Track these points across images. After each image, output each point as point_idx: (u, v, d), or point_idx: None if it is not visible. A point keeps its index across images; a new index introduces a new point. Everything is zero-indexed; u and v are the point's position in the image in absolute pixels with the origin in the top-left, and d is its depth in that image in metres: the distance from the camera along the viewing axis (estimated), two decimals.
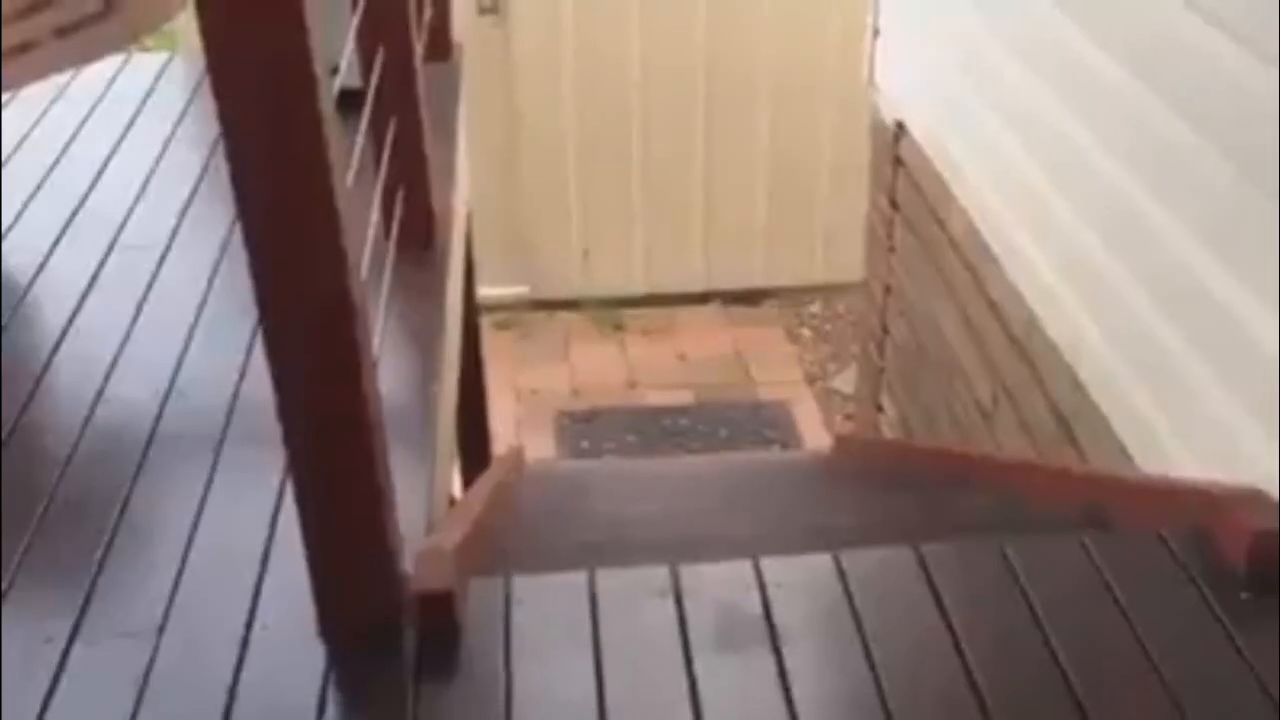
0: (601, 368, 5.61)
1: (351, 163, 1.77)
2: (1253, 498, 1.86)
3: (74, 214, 2.70)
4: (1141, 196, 2.32)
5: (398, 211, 2.33)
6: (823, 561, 1.89)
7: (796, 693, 1.63)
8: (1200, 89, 2.13)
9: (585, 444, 5.14)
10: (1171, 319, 2.23)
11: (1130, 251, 2.40)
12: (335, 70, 1.80)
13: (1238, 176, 1.98)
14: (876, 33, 3.93)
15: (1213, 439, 2.08)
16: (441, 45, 3.08)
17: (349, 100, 1.95)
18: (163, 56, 3.53)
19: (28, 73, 2.51)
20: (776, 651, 1.70)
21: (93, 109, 3.15)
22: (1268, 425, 1.91)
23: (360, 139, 2.07)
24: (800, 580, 1.87)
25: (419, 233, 2.43)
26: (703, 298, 5.97)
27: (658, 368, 5.58)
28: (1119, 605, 1.78)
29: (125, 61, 3.37)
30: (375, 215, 2.16)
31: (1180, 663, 1.67)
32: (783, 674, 1.66)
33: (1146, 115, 2.28)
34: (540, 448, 4.94)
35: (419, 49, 2.41)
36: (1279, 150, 1.86)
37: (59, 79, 3.02)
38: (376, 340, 1.75)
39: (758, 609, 1.78)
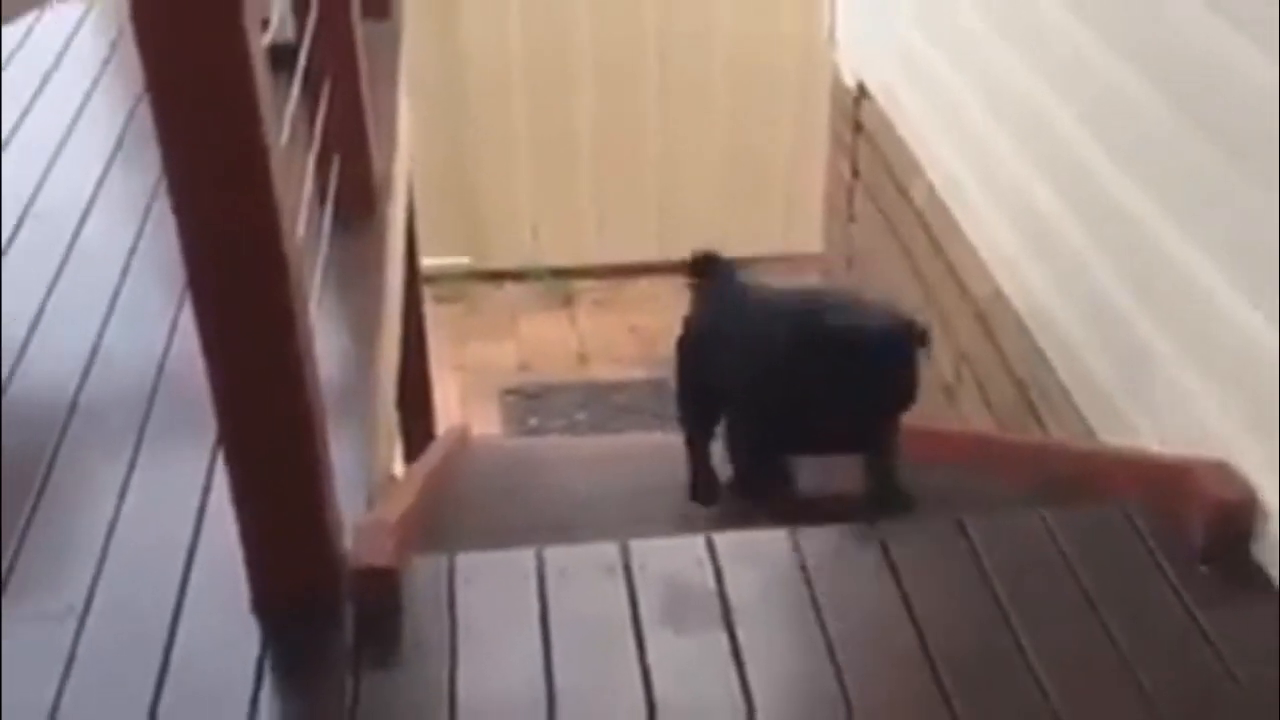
0: (550, 341, 5.62)
1: (284, 122, 1.78)
2: (1215, 469, 1.92)
3: None
4: (1107, 165, 2.37)
5: (334, 177, 2.33)
6: (777, 537, 1.94)
7: (750, 670, 1.67)
8: (1168, 53, 2.18)
9: (533, 421, 5.15)
10: (1135, 290, 2.28)
11: (1095, 221, 2.46)
12: (265, 23, 1.81)
13: (1205, 143, 2.03)
14: None
15: (1175, 411, 2.14)
16: (381, 1, 3.07)
17: (280, 56, 1.95)
18: (80, 8, 3.49)
19: None
20: (729, 628, 1.74)
21: (6, 63, 3.11)
22: (1231, 397, 1.97)
23: (293, 101, 2.07)
24: (754, 556, 1.91)
25: (358, 201, 2.43)
26: (657, 268, 5.99)
27: (609, 341, 5.59)
28: (1077, 579, 1.83)
29: (40, 13, 3.33)
30: (310, 182, 2.16)
31: (1138, 635, 1.73)
32: (736, 651, 1.70)
33: (1114, 81, 2.33)
34: (486, 426, 4.95)
35: (356, 4, 2.40)
36: (1248, 117, 1.91)
37: None
38: (313, 310, 1.76)
39: (710, 585, 1.82)
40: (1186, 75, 2.11)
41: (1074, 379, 2.51)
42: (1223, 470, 1.91)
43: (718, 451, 2.37)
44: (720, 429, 2.31)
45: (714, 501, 2.33)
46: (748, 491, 2.26)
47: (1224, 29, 1.96)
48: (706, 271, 2.39)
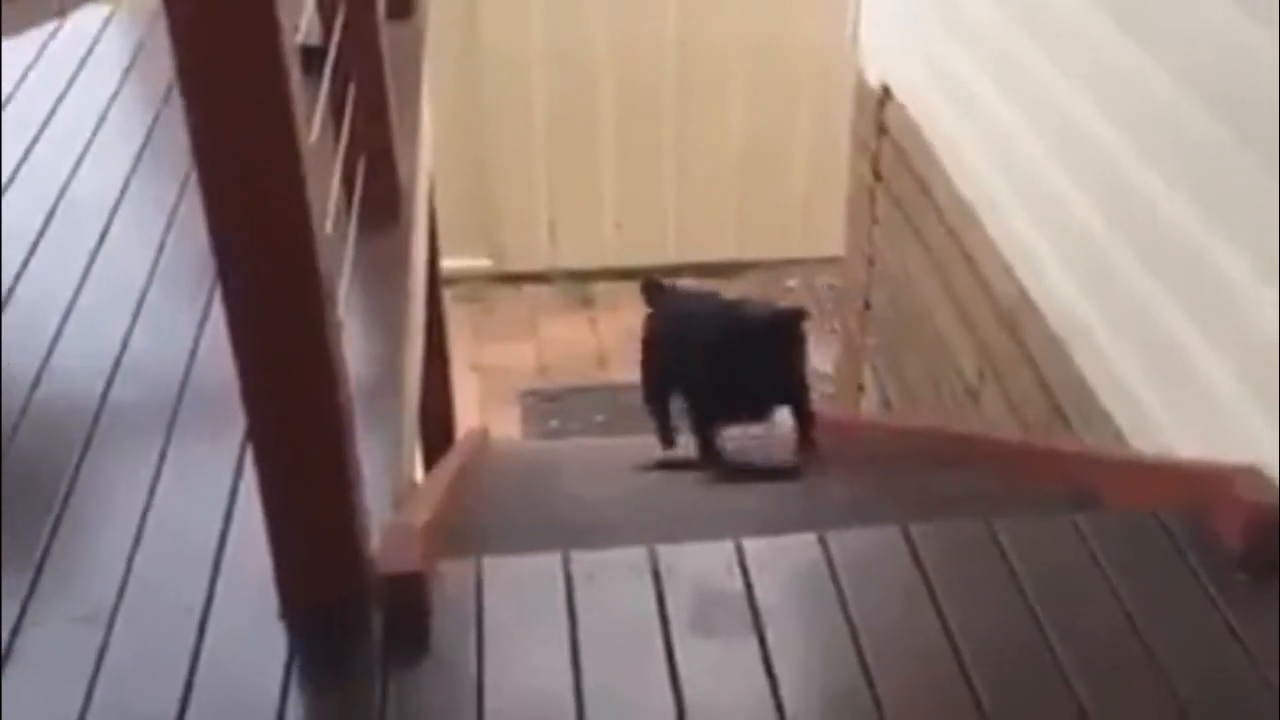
0: (569, 344, 5.61)
1: (313, 123, 1.77)
2: (1249, 475, 1.90)
3: (13, 176, 2.68)
4: (1137, 165, 2.35)
5: (360, 180, 2.33)
6: (807, 541, 1.92)
7: (780, 674, 1.65)
8: (1196, 50, 2.16)
9: (553, 423, 5.15)
10: (1168, 292, 2.26)
11: (1125, 222, 2.44)
12: (295, 27, 1.80)
13: (1236, 143, 2.01)
14: None
15: (1208, 416, 2.12)
16: (404, 3, 3.07)
17: (309, 59, 1.95)
18: (104, 10, 3.49)
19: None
20: (759, 632, 1.72)
21: (31, 65, 3.12)
22: (1265, 402, 1.95)
23: (321, 102, 2.06)
24: (783, 560, 1.90)
25: (384, 202, 2.42)
26: (676, 271, 5.98)
27: (628, 344, 5.58)
28: (1110, 585, 1.81)
29: (64, 15, 3.33)
30: (336, 184, 2.16)
31: (1173, 643, 1.71)
32: (765, 655, 1.68)
33: (1142, 79, 2.31)
34: (505, 427, 4.95)
35: (381, 6, 2.40)
36: (1278, 115, 1.89)
37: None
38: (340, 311, 1.75)
39: (739, 589, 1.80)
40: (1216, 72, 2.08)
41: (1102, 381, 2.48)
42: (1257, 475, 1.89)
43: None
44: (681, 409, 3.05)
45: (672, 446, 3.12)
46: (704, 452, 2.94)
47: (1252, 26, 1.94)
48: (654, 295, 3.18)
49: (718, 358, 2.75)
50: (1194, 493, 1.95)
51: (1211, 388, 2.09)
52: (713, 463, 2.89)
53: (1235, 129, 2.02)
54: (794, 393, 2.82)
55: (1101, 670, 1.67)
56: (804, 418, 2.84)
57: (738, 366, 2.72)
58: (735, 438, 3.00)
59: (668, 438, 3.15)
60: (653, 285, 3.21)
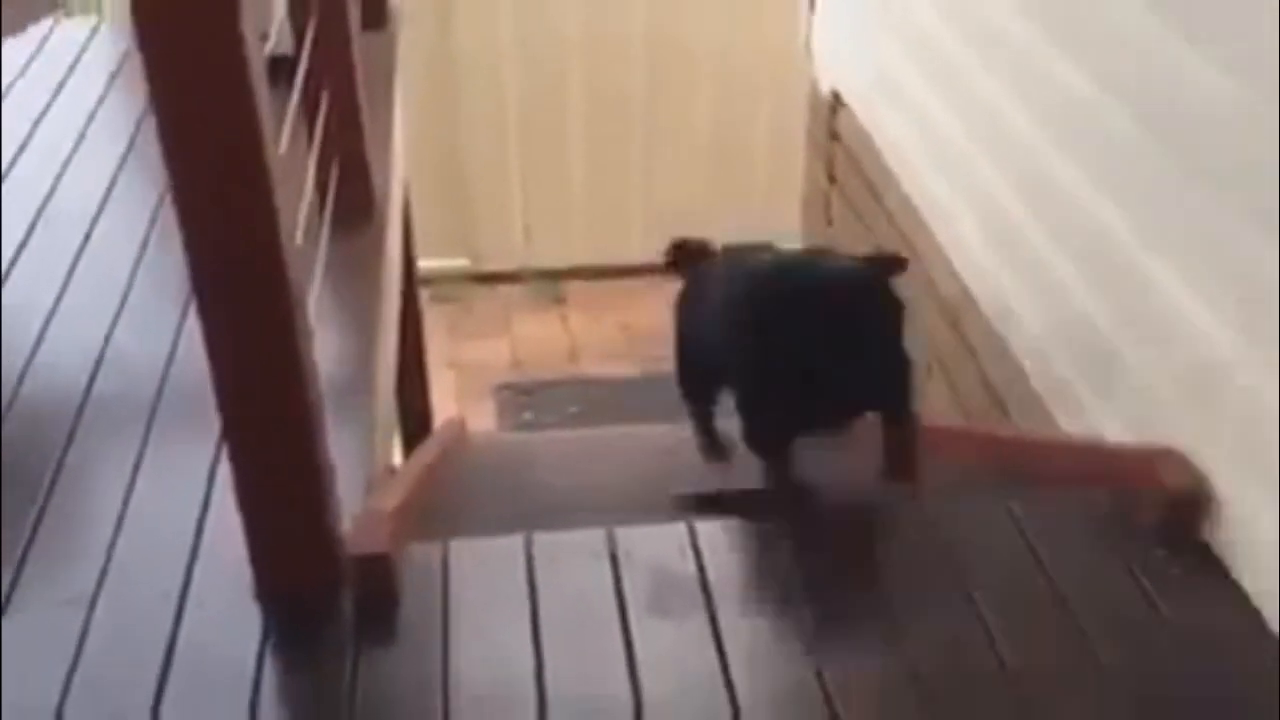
0: (542, 340, 5.62)
1: (283, 132, 1.78)
2: (1169, 458, 1.94)
3: (0, 179, 2.67)
4: (1071, 171, 2.39)
5: (333, 184, 2.33)
6: (758, 526, 1.94)
7: (730, 652, 1.68)
8: (1121, 57, 2.19)
9: (527, 415, 5.16)
10: (1098, 290, 2.30)
11: (1058, 224, 2.47)
12: (264, 37, 1.81)
13: (1163, 150, 2.05)
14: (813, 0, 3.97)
15: (1134, 405, 2.15)
16: (377, 11, 3.07)
17: (279, 68, 1.95)
18: (89, 22, 3.48)
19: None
20: (711, 612, 1.75)
21: (17, 77, 3.11)
22: (1184, 390, 1.99)
23: (292, 111, 2.07)
24: (735, 544, 1.92)
25: (356, 206, 2.43)
26: (644, 269, 5.99)
27: (599, 339, 5.60)
28: (1039, 562, 1.85)
29: (51, 28, 3.32)
30: (309, 188, 2.16)
31: (1099, 618, 1.74)
32: (717, 634, 1.71)
33: (1076, 90, 2.34)
34: (481, 420, 4.95)
35: (355, 15, 2.40)
36: (1201, 124, 1.92)
37: None
38: (313, 312, 1.76)
39: (693, 570, 1.83)
40: (1142, 84, 2.12)
41: (1039, 375, 2.52)
42: (1176, 458, 1.93)
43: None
44: (729, 399, 2.12)
45: (726, 458, 2.20)
46: (759, 451, 2.04)
47: (1175, 39, 1.97)
48: (686, 259, 2.27)
49: (779, 336, 1.80)
50: (1119, 475, 1.99)
51: (1137, 379, 2.12)
52: (785, 490, 1.98)
53: (1157, 135, 2.06)
54: (895, 387, 1.89)
55: (1030, 644, 1.71)
56: (906, 427, 1.92)
57: (811, 348, 1.78)
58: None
59: (711, 446, 2.25)
60: (683, 247, 2.24)
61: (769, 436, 1.97)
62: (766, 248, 2.11)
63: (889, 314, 1.86)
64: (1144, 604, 1.77)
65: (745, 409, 2.00)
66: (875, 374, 1.86)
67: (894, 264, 1.91)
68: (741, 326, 1.91)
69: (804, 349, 1.81)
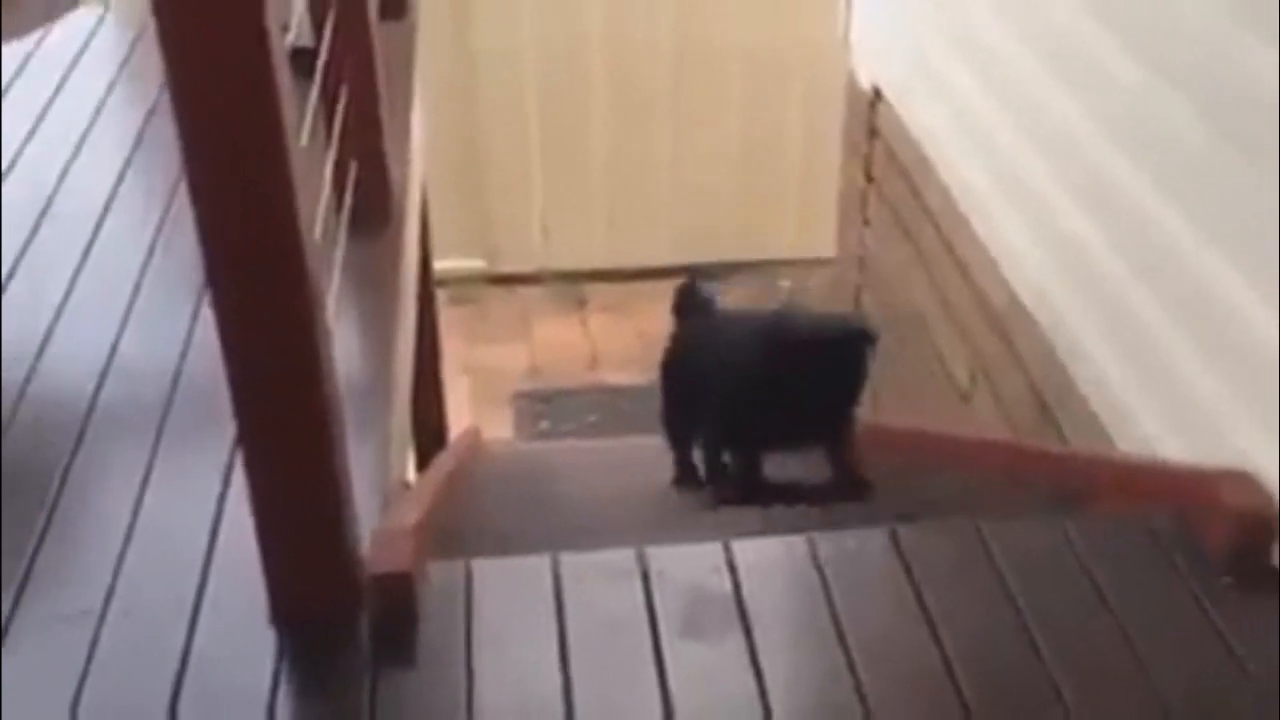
0: (561, 345, 5.62)
1: (303, 125, 1.77)
2: (1236, 479, 1.91)
3: (5, 175, 2.68)
4: (1126, 169, 2.36)
5: (351, 182, 2.33)
6: (795, 543, 1.93)
7: (767, 676, 1.66)
8: (1187, 56, 2.17)
9: (545, 424, 5.15)
10: (1154, 295, 2.27)
11: (1114, 227, 2.45)
12: (285, 28, 1.80)
13: (1227, 150, 2.02)
14: None
15: (1195, 421, 2.13)
16: (396, 3, 3.07)
17: (300, 60, 1.95)
18: (95, 13, 3.49)
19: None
20: (747, 635, 1.73)
21: (20, 70, 3.11)
22: (1252, 408, 1.96)
23: (312, 104, 2.07)
24: (772, 562, 1.91)
25: (375, 204, 2.42)
26: (668, 272, 5.98)
27: (620, 345, 5.59)
28: (1097, 588, 1.82)
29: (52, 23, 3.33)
30: (327, 185, 2.16)
31: (1159, 647, 1.72)
32: (753, 657, 1.69)
33: (1131, 84, 2.32)
34: (497, 429, 4.95)
35: (374, 8, 2.40)
36: (1277, 124, 1.90)
37: None
38: (330, 313, 1.76)
39: (728, 591, 1.81)
40: (1203, 76, 2.10)
41: (1092, 386, 2.50)
42: (1245, 480, 1.90)
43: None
44: (700, 434, 2.67)
45: (695, 490, 2.68)
46: (716, 485, 2.61)
47: (1242, 33, 1.95)
48: (689, 300, 2.75)
49: (766, 378, 2.31)
50: (1181, 496, 1.96)
51: (1199, 393, 2.10)
52: (756, 490, 2.48)
53: (1226, 136, 2.03)
54: (842, 427, 2.40)
55: (1088, 674, 1.68)
56: (845, 453, 2.43)
57: (788, 390, 2.29)
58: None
59: (686, 472, 2.71)
60: (689, 290, 2.74)
61: (748, 453, 2.53)
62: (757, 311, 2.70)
63: (860, 370, 2.37)
64: (1209, 635, 1.74)
65: (718, 441, 2.59)
66: (834, 414, 2.42)
67: (870, 335, 2.38)
68: (742, 368, 2.41)
69: (788, 391, 2.32)
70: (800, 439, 2.44)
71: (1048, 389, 2.70)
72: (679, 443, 2.71)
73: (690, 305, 2.73)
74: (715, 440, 2.59)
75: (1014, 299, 2.86)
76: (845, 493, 2.39)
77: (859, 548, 1.95)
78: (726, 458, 2.58)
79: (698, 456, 2.69)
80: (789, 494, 2.43)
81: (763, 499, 2.40)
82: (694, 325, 2.70)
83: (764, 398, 2.34)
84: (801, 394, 2.30)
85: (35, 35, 3.23)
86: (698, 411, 2.60)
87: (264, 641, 1.63)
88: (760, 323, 2.45)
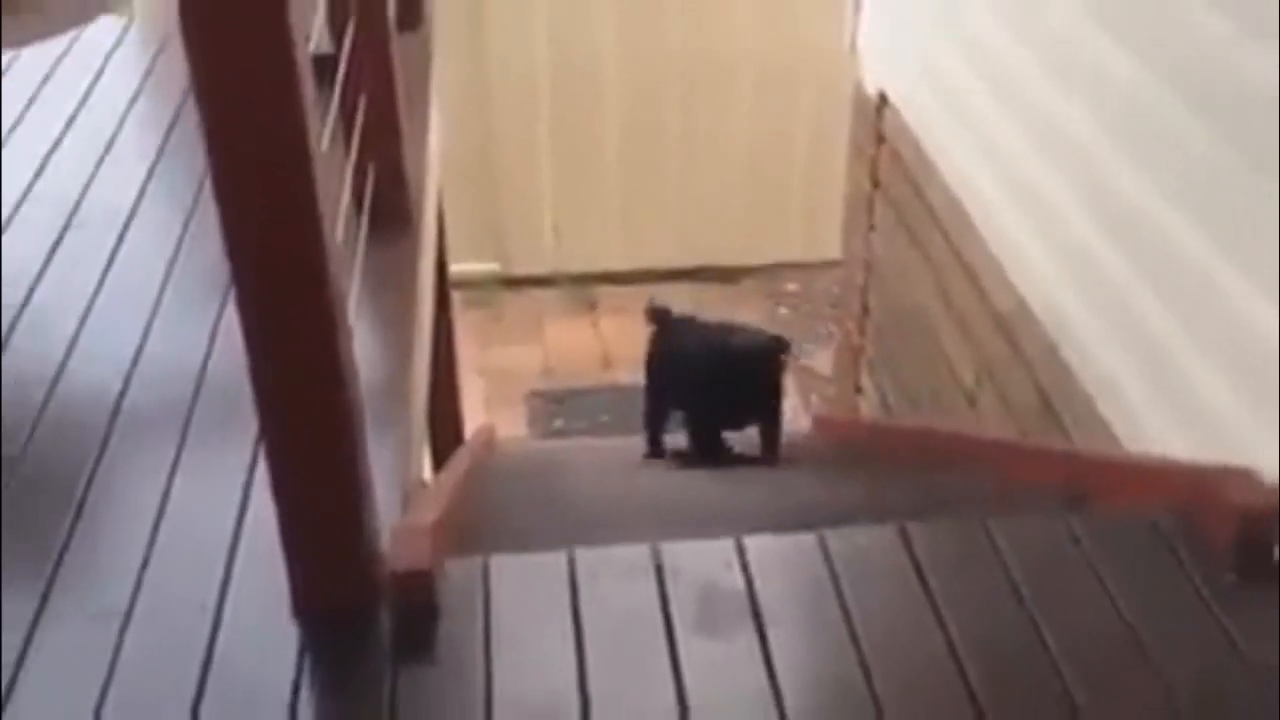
0: (574, 346, 5.62)
1: (325, 131, 1.77)
2: (1241, 476, 1.90)
3: (29, 188, 2.68)
4: (1131, 172, 2.35)
5: (370, 187, 2.33)
6: (806, 540, 1.92)
7: (780, 671, 1.66)
8: (1191, 60, 2.16)
9: (558, 423, 5.15)
10: (1158, 295, 2.26)
11: (1119, 230, 2.44)
12: (306, 37, 1.80)
13: (1230, 152, 2.01)
14: None
15: (1200, 420, 2.12)
16: (413, 13, 3.07)
17: (320, 67, 1.95)
18: (119, 22, 3.50)
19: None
20: (760, 631, 1.73)
21: (46, 78, 3.12)
22: (1257, 406, 1.95)
23: (332, 111, 2.07)
24: (783, 559, 1.90)
25: (393, 209, 2.42)
26: (678, 275, 5.99)
27: (632, 346, 5.58)
28: (1103, 585, 1.81)
29: (82, 26, 3.34)
30: (347, 192, 2.16)
31: (1165, 643, 1.71)
32: (766, 653, 1.69)
33: (1135, 87, 2.31)
34: (512, 428, 4.95)
35: (392, 16, 2.40)
36: (1277, 126, 1.89)
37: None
38: (350, 317, 1.75)
39: (740, 588, 1.81)
40: (1203, 78, 2.09)
41: (1098, 386, 2.48)
42: (1249, 477, 1.89)
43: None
44: (679, 420, 3.42)
45: (661, 457, 3.44)
46: (706, 448, 3.31)
47: (1246, 39, 1.94)
48: (659, 320, 3.52)
49: (711, 379, 3.16)
50: (1186, 494, 1.95)
51: (1203, 392, 2.09)
52: (714, 456, 3.28)
53: (1229, 139, 2.02)
54: (771, 412, 3.23)
55: (1095, 668, 1.68)
56: (773, 434, 3.26)
57: (727, 387, 3.13)
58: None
59: (656, 449, 3.50)
60: (658, 311, 3.54)
61: (707, 430, 3.33)
62: (707, 324, 3.50)
63: (776, 371, 3.20)
64: (1216, 632, 1.73)
65: (693, 417, 3.37)
66: (763, 402, 3.24)
67: (781, 345, 3.19)
68: (696, 372, 3.25)
69: (726, 387, 3.17)
70: (740, 419, 3.25)
71: (1053, 390, 2.69)
72: (653, 423, 3.49)
73: (659, 320, 3.53)
74: (690, 416, 3.39)
75: (1020, 301, 2.85)
76: (767, 462, 3.20)
77: (869, 544, 1.94)
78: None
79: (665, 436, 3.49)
80: (734, 460, 3.24)
81: (717, 462, 3.22)
82: (663, 337, 3.49)
83: (712, 389, 3.18)
84: (735, 387, 3.13)
85: (60, 44, 3.23)
86: (672, 399, 3.41)
87: (286, 639, 1.63)
88: (707, 336, 3.31)
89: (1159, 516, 1.92)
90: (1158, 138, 2.25)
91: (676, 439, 3.45)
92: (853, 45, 4.05)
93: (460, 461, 2.67)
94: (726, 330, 3.37)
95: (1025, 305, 2.82)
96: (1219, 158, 2.03)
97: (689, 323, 3.53)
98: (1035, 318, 2.77)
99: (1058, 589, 1.82)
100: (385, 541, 1.70)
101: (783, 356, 3.17)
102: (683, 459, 3.34)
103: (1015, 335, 2.88)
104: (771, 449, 3.24)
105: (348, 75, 2.19)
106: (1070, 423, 2.60)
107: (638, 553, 1.86)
